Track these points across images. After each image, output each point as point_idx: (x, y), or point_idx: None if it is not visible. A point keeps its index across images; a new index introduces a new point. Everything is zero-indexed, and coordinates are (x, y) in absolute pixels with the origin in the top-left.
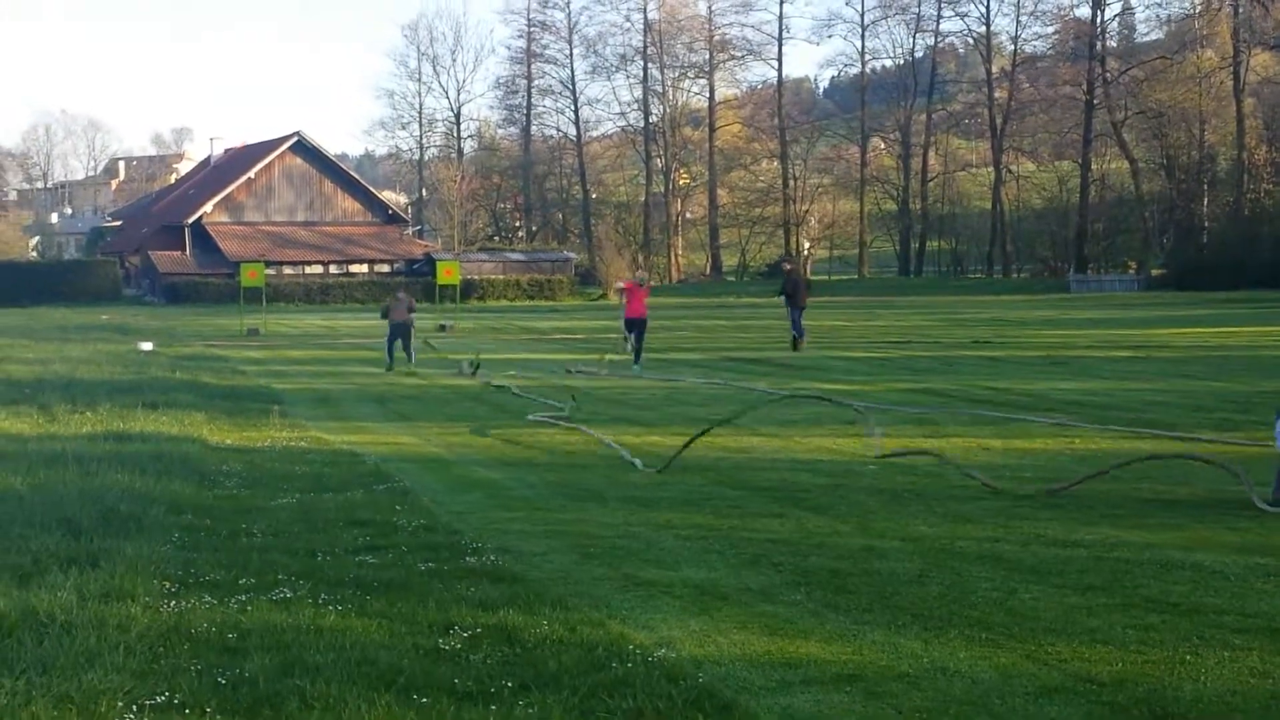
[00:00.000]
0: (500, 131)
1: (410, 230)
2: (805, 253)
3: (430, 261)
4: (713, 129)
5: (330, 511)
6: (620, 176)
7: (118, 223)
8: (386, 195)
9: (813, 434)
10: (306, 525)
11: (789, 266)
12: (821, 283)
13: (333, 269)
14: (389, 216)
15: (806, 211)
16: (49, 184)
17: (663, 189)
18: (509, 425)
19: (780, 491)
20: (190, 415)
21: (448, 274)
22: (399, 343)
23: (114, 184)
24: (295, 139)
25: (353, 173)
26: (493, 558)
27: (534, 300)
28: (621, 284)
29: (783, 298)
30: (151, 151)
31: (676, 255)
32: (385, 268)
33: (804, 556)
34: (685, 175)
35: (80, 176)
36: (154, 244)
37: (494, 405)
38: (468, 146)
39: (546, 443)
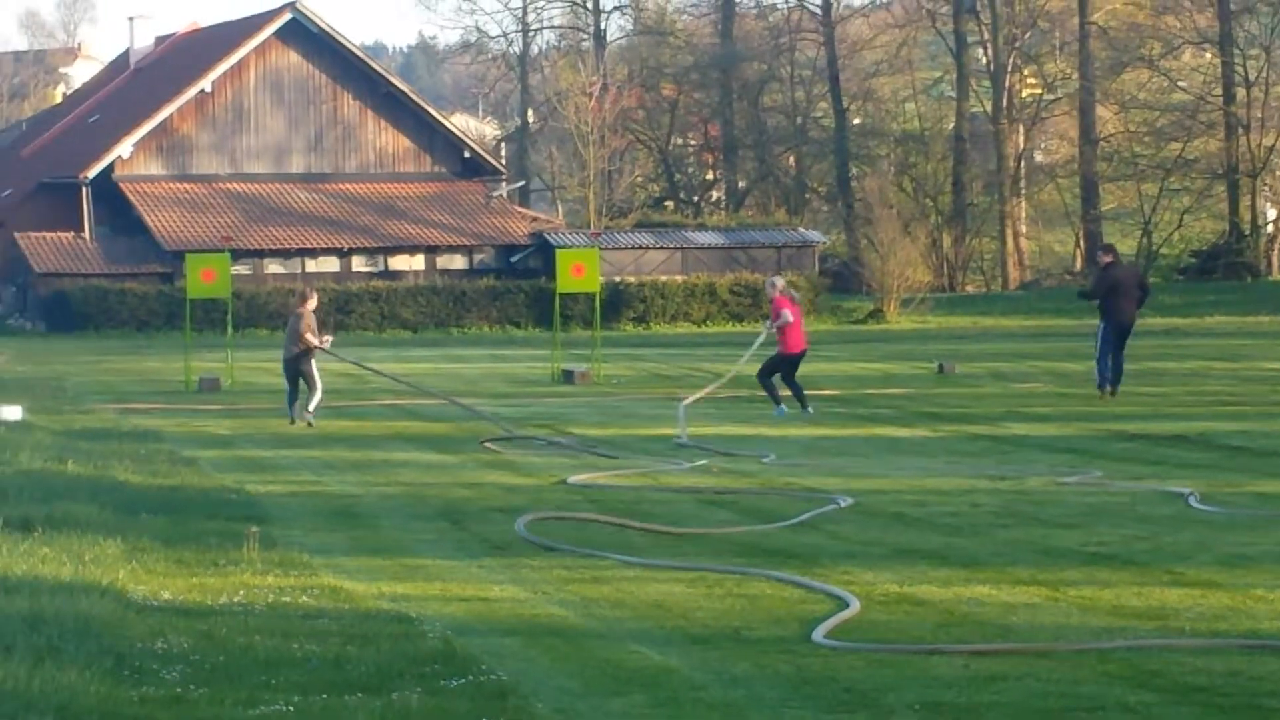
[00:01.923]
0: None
1: (504, 189)
2: (1270, 226)
3: (545, 249)
4: None
5: None
6: (906, 84)
7: None
8: (459, 123)
9: None
10: None
11: (1108, 258)
12: None
13: (359, 263)
14: (466, 164)
15: (1273, 149)
16: None
17: (989, 107)
18: (701, 552)
19: (1229, 694)
20: (96, 544)
21: (577, 272)
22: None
23: None
24: (289, 18)
25: (396, 80)
26: None
27: (743, 324)
28: (786, 313)
29: (1096, 306)
30: (18, 45)
31: (1017, 234)
32: (460, 260)
33: None
34: (1034, 80)
35: None
36: (24, 218)
37: (666, 522)
38: (614, 28)
39: (764, 594)
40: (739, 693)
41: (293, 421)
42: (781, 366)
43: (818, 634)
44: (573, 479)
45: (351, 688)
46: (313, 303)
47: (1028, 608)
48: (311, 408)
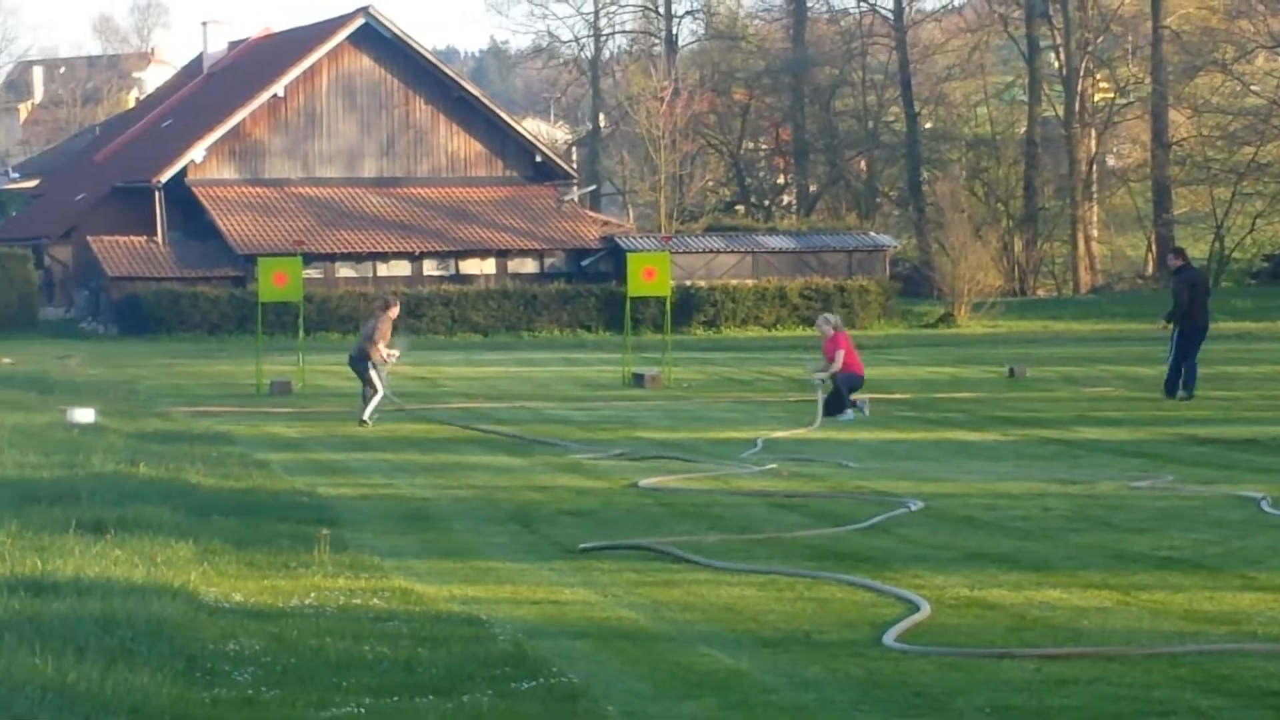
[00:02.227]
0: (749, 3)
1: (575, 194)
2: None
3: (616, 253)
4: None
5: None
6: (978, 88)
7: (31, 183)
8: (531, 127)
9: None
10: None
11: (1179, 261)
12: None
13: (430, 267)
14: (537, 168)
15: None
16: None
17: (1061, 111)
18: (772, 556)
19: None
20: (168, 546)
21: (648, 276)
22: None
23: (24, 110)
24: (362, 23)
25: (468, 85)
26: None
27: (813, 328)
28: (840, 353)
29: (1172, 323)
30: (92, 50)
31: (1088, 239)
32: (531, 264)
33: None
34: (1106, 84)
35: None
36: (97, 222)
37: (737, 526)
38: (686, 33)
39: (835, 598)
40: (810, 696)
41: (361, 423)
42: (849, 385)
43: (889, 637)
44: (644, 482)
45: (423, 690)
46: (394, 312)
47: (1099, 612)
48: (368, 415)
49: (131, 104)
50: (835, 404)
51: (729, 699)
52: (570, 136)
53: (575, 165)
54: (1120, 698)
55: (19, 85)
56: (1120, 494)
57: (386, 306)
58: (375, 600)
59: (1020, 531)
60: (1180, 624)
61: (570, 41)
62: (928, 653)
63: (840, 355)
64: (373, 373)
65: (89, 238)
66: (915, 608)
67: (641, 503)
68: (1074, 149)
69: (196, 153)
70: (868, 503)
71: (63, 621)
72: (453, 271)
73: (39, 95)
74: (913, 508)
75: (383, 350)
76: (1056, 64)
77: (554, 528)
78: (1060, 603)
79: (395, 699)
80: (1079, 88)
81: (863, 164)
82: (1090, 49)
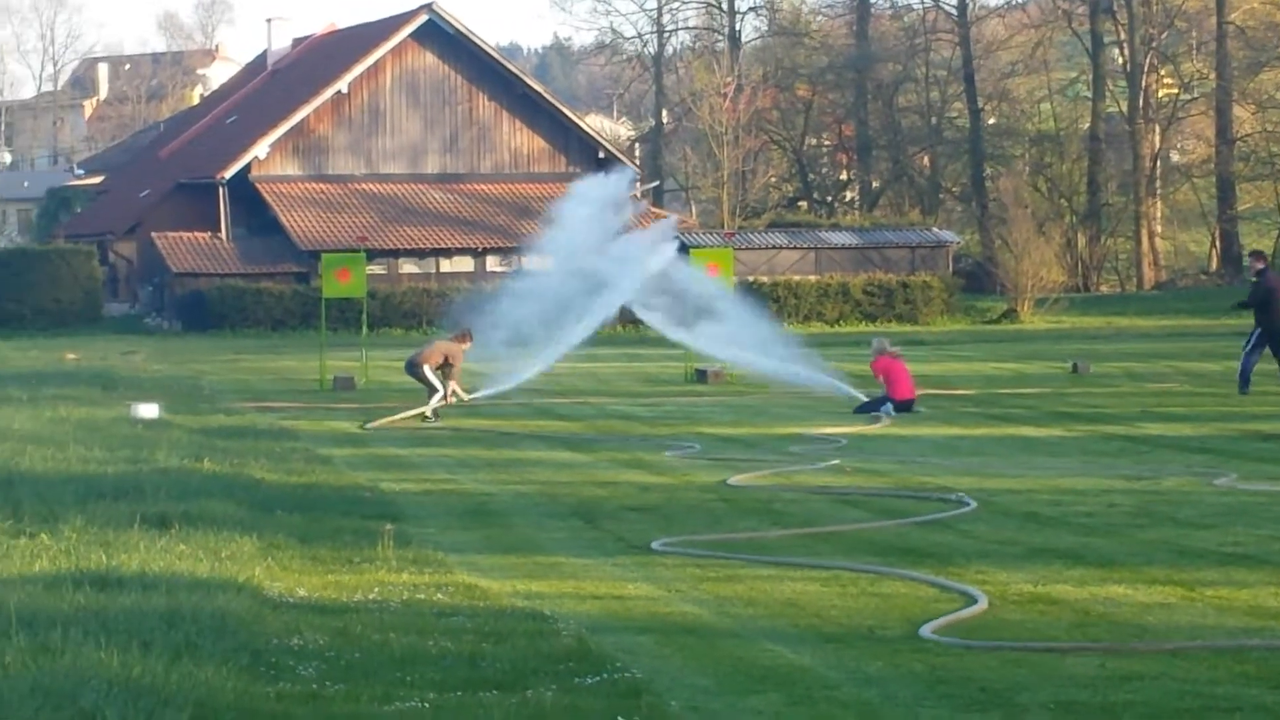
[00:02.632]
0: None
1: (639, 190)
2: None
3: (680, 249)
4: None
5: None
6: (1041, 84)
7: (96, 179)
8: (594, 123)
9: None
10: None
11: (1260, 264)
12: None
13: (493, 263)
14: (600, 164)
15: None
16: None
17: (1125, 107)
18: (835, 551)
19: None
20: (232, 541)
21: (712, 272)
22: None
23: (89, 106)
24: (425, 20)
25: (531, 81)
26: None
27: (876, 323)
28: (881, 380)
29: (1252, 316)
30: (157, 47)
31: (1152, 235)
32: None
33: None
34: (1170, 80)
35: (27, 94)
36: (161, 219)
37: (799, 521)
38: (749, 29)
39: (898, 593)
40: (872, 691)
41: (424, 418)
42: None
43: (926, 630)
44: (732, 480)
45: (486, 685)
46: (468, 346)
47: (1163, 607)
48: (430, 409)
49: (196, 100)
50: (873, 404)
51: (792, 694)
52: (633, 133)
53: (638, 161)
54: (1185, 693)
55: (84, 82)
56: (1184, 490)
57: (462, 339)
58: (439, 595)
59: (1084, 527)
60: (1245, 620)
61: (633, 38)
62: (952, 644)
63: (881, 381)
64: (430, 375)
65: (153, 234)
66: (973, 602)
67: (704, 498)
68: (1138, 145)
69: (260, 149)
70: (930, 499)
71: (128, 616)
72: (516, 267)
73: (104, 92)
74: (970, 505)
75: (458, 389)
76: (1120, 60)
77: (617, 523)
78: (1124, 599)
79: (459, 694)
80: (1143, 83)
81: (926, 160)
82: (1154, 45)
